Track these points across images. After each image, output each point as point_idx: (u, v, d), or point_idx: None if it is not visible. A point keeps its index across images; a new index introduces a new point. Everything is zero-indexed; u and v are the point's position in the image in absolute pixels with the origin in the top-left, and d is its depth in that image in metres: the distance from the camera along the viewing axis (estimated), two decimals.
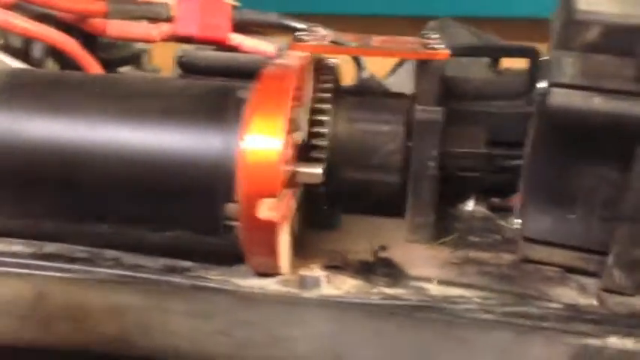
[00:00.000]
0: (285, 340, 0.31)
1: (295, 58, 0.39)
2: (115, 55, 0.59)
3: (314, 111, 0.42)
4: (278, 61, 0.39)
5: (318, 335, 0.31)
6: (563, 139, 0.35)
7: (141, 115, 0.36)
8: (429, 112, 0.41)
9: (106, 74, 0.45)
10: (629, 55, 0.35)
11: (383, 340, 0.31)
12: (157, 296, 0.33)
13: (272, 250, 0.35)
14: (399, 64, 0.65)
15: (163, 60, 0.69)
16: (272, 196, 0.34)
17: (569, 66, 0.35)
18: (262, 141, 0.34)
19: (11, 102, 0.38)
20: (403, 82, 0.62)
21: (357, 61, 0.57)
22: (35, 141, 0.37)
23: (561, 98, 0.33)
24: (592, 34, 0.36)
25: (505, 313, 0.31)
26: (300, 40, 0.42)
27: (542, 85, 0.34)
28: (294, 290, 0.35)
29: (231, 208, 0.35)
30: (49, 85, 0.39)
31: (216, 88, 0.38)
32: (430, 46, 0.41)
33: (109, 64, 0.58)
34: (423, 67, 0.41)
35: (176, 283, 0.33)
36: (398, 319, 0.31)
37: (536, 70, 0.48)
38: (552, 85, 0.33)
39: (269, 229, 0.34)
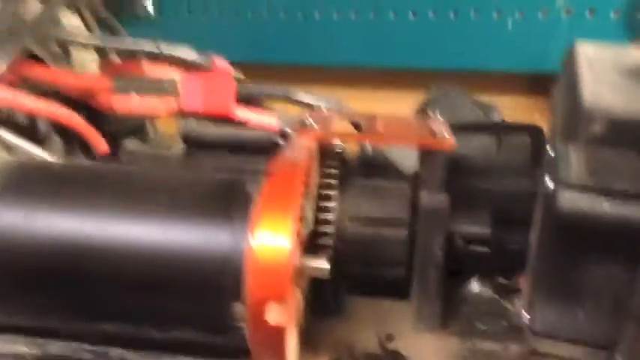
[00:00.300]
0: None
1: (303, 147, 0.39)
2: (119, 127, 0.59)
3: (320, 196, 0.42)
4: (286, 152, 0.39)
5: None
6: (571, 239, 0.35)
7: (148, 212, 0.36)
8: (434, 199, 0.41)
9: (113, 167, 0.45)
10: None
11: None
12: None
13: (280, 353, 0.35)
14: None
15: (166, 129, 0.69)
16: (281, 300, 0.33)
17: (575, 163, 0.35)
18: (271, 241, 0.33)
19: (18, 196, 0.37)
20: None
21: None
22: (41, 237, 0.36)
23: (569, 203, 0.33)
24: (599, 128, 0.36)
25: None
26: (307, 126, 0.42)
27: (549, 184, 0.34)
28: None
29: (238, 308, 0.35)
30: (56, 178, 0.39)
31: (224, 183, 0.38)
32: (437, 135, 0.41)
33: (114, 136, 0.58)
34: (429, 153, 0.41)
35: None
36: None
37: (541, 149, 0.48)
38: (559, 184, 0.33)
39: (278, 333, 0.34)
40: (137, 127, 0.62)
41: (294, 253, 0.34)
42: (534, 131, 0.48)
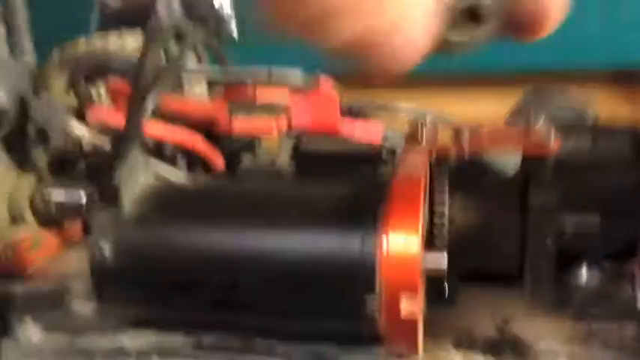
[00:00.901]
0: None
1: (419, 158, 0.43)
2: (232, 146, 0.64)
3: (433, 200, 0.45)
4: (404, 162, 0.43)
5: None
6: None
7: (286, 222, 0.41)
8: (544, 196, 0.44)
9: (252, 184, 0.50)
10: None
11: None
12: None
13: (412, 341, 0.38)
14: None
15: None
16: (413, 293, 0.37)
17: None
18: (402, 241, 0.37)
19: (169, 217, 0.43)
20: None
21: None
22: (193, 250, 0.42)
23: None
24: None
25: None
26: (418, 136, 0.46)
27: None
28: None
29: (373, 301, 0.39)
30: (197, 197, 0.45)
31: (351, 192, 0.42)
32: (542, 141, 0.44)
33: (228, 154, 0.64)
34: (535, 160, 0.44)
35: None
36: None
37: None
38: None
39: (410, 323, 0.38)
40: (247, 145, 0.67)
41: (421, 252, 0.38)
42: (634, 134, 0.50)
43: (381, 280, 0.38)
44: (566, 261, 0.48)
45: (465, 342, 0.43)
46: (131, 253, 0.42)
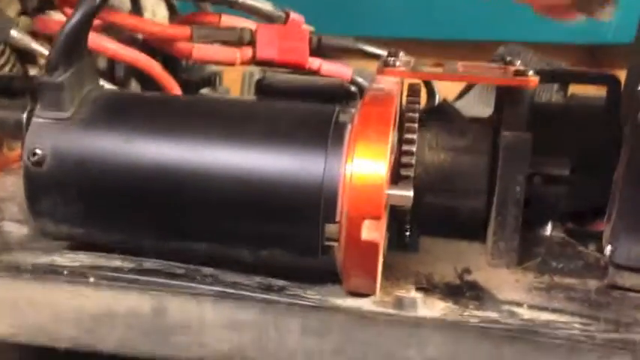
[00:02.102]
0: None
1: (389, 82, 0.41)
2: (193, 76, 0.61)
3: (403, 129, 0.42)
4: (375, 85, 0.40)
5: (434, 356, 0.32)
6: None
7: (244, 137, 0.38)
8: (517, 138, 0.42)
9: (208, 97, 0.46)
10: None
11: None
12: (273, 314, 0.34)
13: (372, 271, 0.36)
14: (467, 90, 0.66)
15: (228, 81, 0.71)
16: (376, 218, 0.35)
17: None
18: (368, 165, 0.35)
19: (118, 124, 0.39)
20: (472, 107, 0.63)
21: (429, 87, 0.58)
22: (141, 162, 0.38)
23: None
24: None
25: (610, 340, 0.32)
26: (390, 65, 0.43)
27: None
28: (392, 311, 0.35)
29: (331, 228, 0.36)
30: (151, 106, 0.41)
31: (316, 112, 0.39)
32: (520, 72, 0.42)
33: (188, 86, 0.60)
34: (513, 93, 0.42)
35: (292, 302, 0.34)
36: (518, 344, 0.31)
37: (616, 98, 0.49)
38: None
39: (371, 250, 0.35)
40: (207, 78, 0.63)
41: (387, 181, 0.35)
42: (612, 80, 0.48)
43: (343, 206, 0.35)
44: (533, 213, 0.46)
45: (424, 286, 0.40)
46: (70, 160, 0.38)
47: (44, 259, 0.39)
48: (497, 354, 0.31)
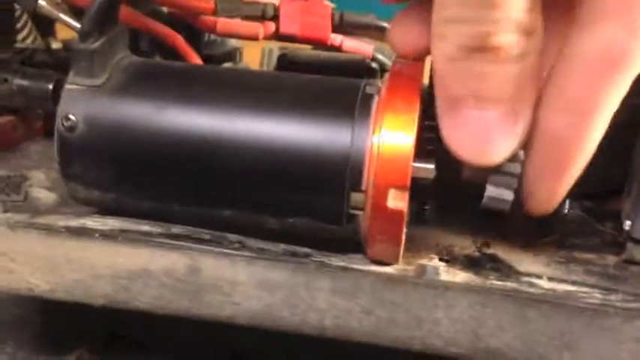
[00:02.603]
0: (427, 322, 0.33)
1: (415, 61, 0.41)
2: (215, 52, 0.61)
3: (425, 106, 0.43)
4: (401, 59, 0.40)
5: (462, 318, 0.33)
6: None
7: (272, 106, 0.38)
8: None
9: (236, 67, 0.47)
10: None
11: (526, 325, 0.32)
12: (304, 274, 0.34)
13: (396, 239, 0.37)
14: None
15: (247, 57, 0.72)
16: (402, 187, 0.35)
17: None
18: (396, 136, 0.35)
19: (149, 91, 0.40)
20: None
21: None
22: (171, 129, 0.39)
23: None
24: None
25: (631, 309, 0.33)
26: None
27: None
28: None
29: (357, 197, 0.37)
30: (182, 75, 0.41)
31: (344, 83, 0.40)
32: None
33: (209, 61, 0.61)
34: None
35: (324, 263, 0.35)
36: (543, 307, 0.32)
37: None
38: None
39: (396, 218, 0.36)
40: (228, 53, 0.64)
41: (414, 146, 0.36)
42: None
43: (369, 175, 0.36)
44: None
45: (445, 257, 0.41)
46: (102, 127, 0.39)
47: (75, 222, 0.40)
48: (522, 316, 0.32)
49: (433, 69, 0.33)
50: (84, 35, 0.40)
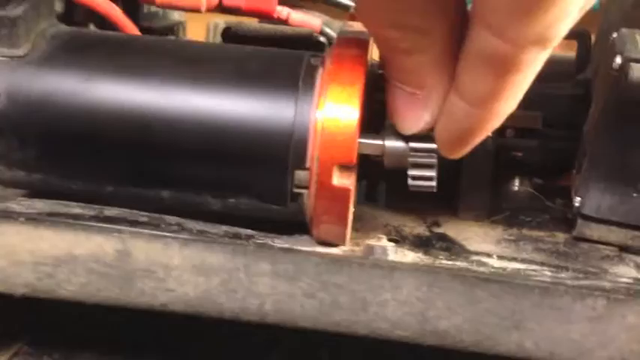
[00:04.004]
0: (373, 305, 0.31)
1: (361, 29, 0.39)
2: (156, 24, 0.58)
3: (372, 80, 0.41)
4: (348, 29, 0.38)
5: (409, 300, 0.31)
6: (636, 114, 0.35)
7: (211, 80, 0.36)
8: None
9: (174, 38, 0.44)
10: None
11: (476, 306, 0.31)
12: (244, 257, 0.32)
13: (342, 219, 0.35)
14: None
15: (192, 32, 0.69)
16: (348, 164, 0.34)
17: None
18: (341, 110, 0.34)
19: (78, 62, 0.37)
20: None
21: None
22: (103, 103, 0.36)
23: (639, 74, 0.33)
24: None
25: (580, 286, 0.32)
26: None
27: (617, 61, 0.35)
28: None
29: (301, 175, 0.35)
30: (115, 45, 0.38)
31: (287, 55, 0.38)
32: None
33: (150, 34, 0.57)
34: None
35: (262, 244, 0.33)
36: (493, 287, 0.31)
37: (586, 53, 0.49)
38: (630, 60, 0.34)
39: (342, 196, 0.34)
40: (169, 27, 0.61)
41: (359, 123, 0.34)
42: (582, 35, 0.48)
43: (313, 152, 0.34)
44: (502, 168, 0.46)
45: (394, 237, 0.40)
46: (26, 101, 0.36)
47: None
48: (471, 296, 0.31)
49: None
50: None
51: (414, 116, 0.33)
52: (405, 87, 0.32)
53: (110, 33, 0.40)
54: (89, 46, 0.38)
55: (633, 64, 0.33)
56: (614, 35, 0.37)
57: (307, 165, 0.35)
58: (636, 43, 0.35)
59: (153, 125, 0.36)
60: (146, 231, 0.33)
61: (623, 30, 0.37)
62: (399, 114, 0.33)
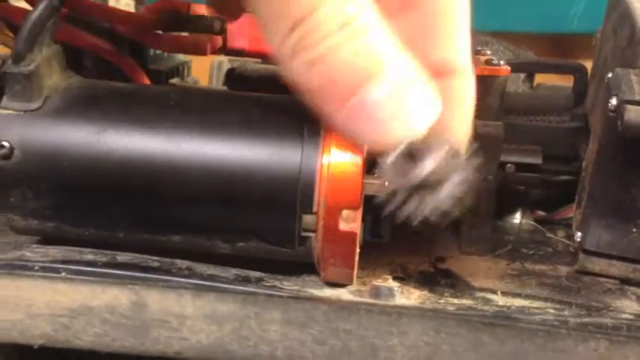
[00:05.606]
0: (382, 350, 0.32)
1: None
2: (161, 66, 0.60)
3: None
4: None
5: (416, 345, 0.32)
6: (633, 153, 0.36)
7: (219, 128, 0.37)
8: (490, 127, 0.42)
9: (181, 86, 0.45)
10: None
11: (480, 350, 0.32)
12: (254, 305, 0.33)
13: (349, 261, 0.36)
14: None
15: (196, 70, 0.70)
16: (353, 208, 0.35)
17: (637, 83, 0.37)
18: (345, 155, 0.35)
19: (89, 114, 0.38)
20: None
21: None
22: (114, 153, 0.37)
23: (635, 115, 0.34)
24: None
25: (583, 324, 0.32)
26: None
27: (613, 102, 0.36)
28: (370, 300, 0.36)
29: (308, 219, 0.36)
30: (125, 96, 0.40)
31: (292, 102, 0.39)
32: (492, 62, 0.42)
33: (156, 76, 0.59)
34: (485, 82, 0.42)
35: (273, 293, 0.34)
36: (497, 330, 0.32)
37: (583, 87, 0.50)
38: (625, 102, 0.35)
39: (349, 240, 0.35)
40: (175, 68, 0.62)
41: (363, 167, 0.35)
42: (579, 69, 0.49)
43: (320, 196, 0.35)
44: (504, 202, 0.47)
45: (400, 275, 0.41)
46: (40, 153, 0.37)
47: (12, 255, 0.38)
48: (477, 341, 0.31)
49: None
50: (17, 57, 0.38)
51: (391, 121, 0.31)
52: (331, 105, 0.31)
53: (118, 84, 0.42)
54: (99, 98, 0.39)
55: (629, 106, 0.34)
56: (610, 75, 0.38)
57: (314, 209, 0.36)
58: (631, 83, 0.36)
59: (163, 174, 0.37)
60: (160, 282, 0.34)
61: (618, 70, 0.38)
62: (375, 122, 0.31)
